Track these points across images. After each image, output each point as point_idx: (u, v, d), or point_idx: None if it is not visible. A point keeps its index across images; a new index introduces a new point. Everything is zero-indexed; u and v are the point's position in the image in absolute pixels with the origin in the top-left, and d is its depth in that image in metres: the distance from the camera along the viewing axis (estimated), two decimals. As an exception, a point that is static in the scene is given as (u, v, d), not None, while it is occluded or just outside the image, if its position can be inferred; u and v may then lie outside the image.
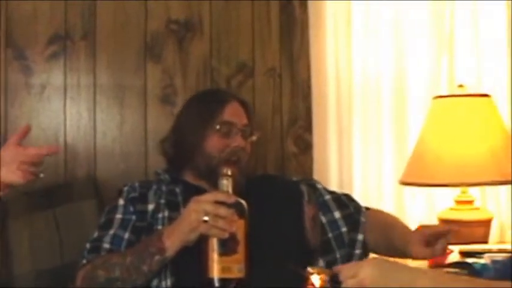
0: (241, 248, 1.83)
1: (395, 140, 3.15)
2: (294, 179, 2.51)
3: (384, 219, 2.41)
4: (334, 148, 3.09)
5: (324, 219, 2.35)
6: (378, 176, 3.14)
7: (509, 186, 3.10)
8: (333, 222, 2.36)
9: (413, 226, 3.11)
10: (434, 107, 2.99)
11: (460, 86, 3.03)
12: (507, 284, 1.57)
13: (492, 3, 3.24)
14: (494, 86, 3.22)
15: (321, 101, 3.08)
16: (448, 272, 2.46)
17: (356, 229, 2.37)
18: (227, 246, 1.82)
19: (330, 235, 2.34)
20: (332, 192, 2.47)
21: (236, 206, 1.85)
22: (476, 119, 2.93)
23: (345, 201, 2.43)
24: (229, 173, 1.89)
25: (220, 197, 1.86)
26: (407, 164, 2.97)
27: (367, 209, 2.47)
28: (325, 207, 2.37)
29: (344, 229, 2.36)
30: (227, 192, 1.87)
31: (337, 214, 2.37)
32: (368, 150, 3.13)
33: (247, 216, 1.87)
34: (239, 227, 1.84)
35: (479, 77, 3.23)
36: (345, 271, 1.50)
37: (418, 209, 3.18)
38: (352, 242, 2.35)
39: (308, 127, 3.09)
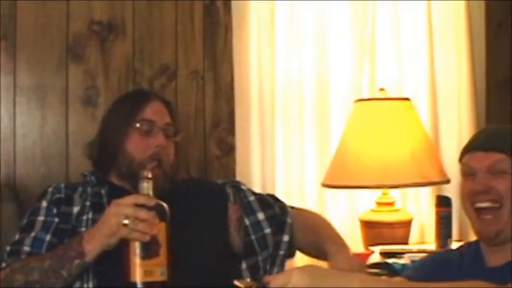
0: (163, 251, 1.81)
1: (318, 143, 3.17)
2: (219, 181, 2.51)
3: (311, 221, 2.42)
4: (256, 150, 3.09)
5: (247, 221, 2.34)
6: (300, 178, 3.16)
7: (430, 187, 3.16)
8: (257, 224, 2.35)
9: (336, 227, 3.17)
10: (356, 110, 3.03)
11: (381, 89, 3.08)
12: (443, 284, 1.60)
13: (413, 8, 3.30)
14: (414, 89, 3.28)
15: (243, 103, 3.09)
16: (371, 274, 2.50)
17: (281, 230, 2.36)
18: (149, 250, 1.80)
19: (253, 237, 2.33)
20: (257, 194, 2.47)
21: (157, 209, 1.83)
22: (397, 122, 2.98)
23: (269, 202, 2.43)
24: (150, 175, 1.87)
25: (141, 199, 1.84)
26: (329, 166, 3.00)
27: (293, 208, 2.47)
28: (249, 209, 2.37)
29: (268, 230, 2.35)
30: (147, 194, 1.85)
31: (260, 215, 2.37)
32: (290, 152, 3.15)
33: (168, 219, 1.84)
34: (160, 230, 1.82)
35: (400, 80, 3.29)
36: (275, 281, 1.49)
37: (340, 211, 3.21)
38: (277, 244, 2.35)
39: (231, 129, 3.09)
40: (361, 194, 3.19)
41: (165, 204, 1.86)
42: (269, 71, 3.12)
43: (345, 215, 3.21)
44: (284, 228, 2.37)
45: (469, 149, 1.95)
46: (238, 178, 3.02)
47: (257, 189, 2.93)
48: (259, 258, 2.32)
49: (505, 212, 1.85)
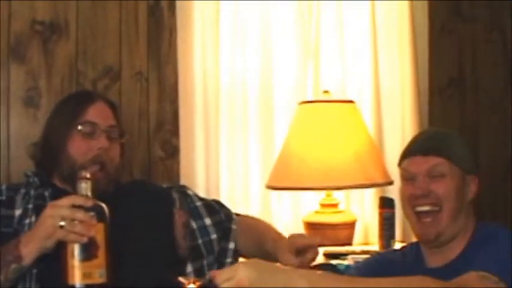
0: (101, 253, 1.78)
1: (262, 145, 3.18)
2: (165, 185, 2.49)
3: (256, 226, 2.41)
4: (201, 152, 3.09)
5: (194, 225, 2.33)
6: (245, 180, 3.16)
7: (373, 189, 3.19)
8: (204, 228, 2.35)
9: (279, 230, 3.18)
10: (300, 112, 3.04)
11: (325, 91, 3.09)
12: (387, 279, 1.61)
13: (357, 10, 3.33)
14: (358, 91, 3.30)
15: (188, 105, 3.08)
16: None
17: (227, 237, 2.36)
18: (87, 252, 1.77)
19: (200, 241, 2.33)
20: (203, 199, 2.46)
21: (95, 210, 1.80)
22: (341, 124, 2.99)
23: (216, 208, 2.42)
24: (88, 175, 1.84)
25: (78, 200, 1.80)
26: (273, 168, 3.01)
27: (238, 215, 2.47)
28: (196, 213, 2.36)
29: (214, 236, 2.35)
30: (85, 195, 1.81)
31: (207, 221, 2.36)
32: (235, 154, 3.15)
33: (107, 220, 1.82)
34: (98, 231, 1.79)
35: (344, 82, 3.30)
36: (221, 275, 1.49)
37: (284, 213, 3.22)
38: (223, 251, 2.35)
39: (175, 131, 3.08)
40: (305, 195, 3.20)
41: (103, 205, 1.83)
42: (213, 72, 3.12)
43: (289, 216, 3.22)
44: (229, 235, 2.36)
45: (408, 153, 1.97)
46: (182, 180, 3.01)
47: (201, 192, 2.94)
48: (205, 262, 2.31)
49: (445, 215, 1.88)
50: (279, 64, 3.24)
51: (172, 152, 3.08)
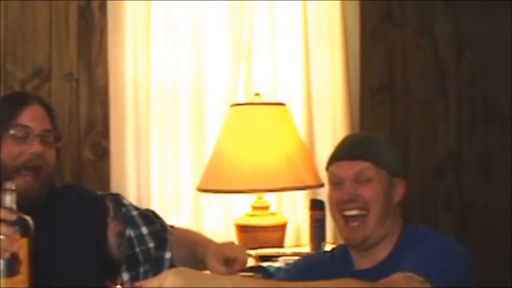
0: (24, 269, 1.69)
1: (193, 147, 3.17)
2: (100, 193, 2.44)
3: (187, 235, 2.39)
4: (131, 155, 3.06)
5: (132, 233, 2.31)
6: (176, 183, 3.14)
7: (304, 191, 3.20)
8: (141, 237, 2.32)
9: (211, 233, 3.17)
10: (231, 115, 3.04)
11: (257, 94, 3.10)
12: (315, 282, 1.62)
13: (289, 11, 3.34)
14: (290, 94, 3.31)
15: (118, 107, 3.05)
16: (249, 277, 2.50)
17: (163, 247, 2.34)
18: (9, 268, 1.69)
19: (138, 249, 2.30)
20: (138, 208, 2.43)
21: (19, 224, 1.73)
22: (272, 127, 3.00)
23: (151, 218, 2.40)
24: (13, 187, 1.76)
25: (1, 214, 1.73)
26: (204, 171, 3.00)
27: (172, 227, 2.45)
28: (132, 223, 2.33)
29: (151, 245, 2.32)
30: (10, 208, 1.73)
31: (144, 230, 2.33)
32: (166, 156, 3.13)
33: (31, 234, 1.75)
34: (22, 246, 1.69)
35: (276, 85, 3.32)
36: (149, 283, 1.47)
37: (216, 216, 3.21)
38: (160, 260, 2.32)
39: (105, 133, 3.05)
40: (236, 198, 3.20)
41: (28, 218, 1.75)
42: (145, 74, 3.10)
43: (221, 219, 3.22)
44: (165, 246, 2.34)
45: (335, 158, 1.98)
46: (112, 182, 2.99)
47: (132, 194, 2.93)
48: (141, 269, 2.29)
49: (372, 219, 1.89)
50: (210, 66, 3.24)
51: (102, 154, 3.05)
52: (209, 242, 2.28)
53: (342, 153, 1.97)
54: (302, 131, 3.21)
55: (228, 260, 2.06)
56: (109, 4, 3.06)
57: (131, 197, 2.96)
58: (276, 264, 2.67)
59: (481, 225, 4.03)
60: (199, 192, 3.04)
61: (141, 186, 3.07)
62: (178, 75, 3.17)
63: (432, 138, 3.87)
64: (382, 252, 1.92)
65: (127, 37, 3.08)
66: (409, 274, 1.65)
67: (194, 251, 2.25)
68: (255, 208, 3.06)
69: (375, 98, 3.64)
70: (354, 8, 3.54)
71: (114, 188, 2.98)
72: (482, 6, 4.11)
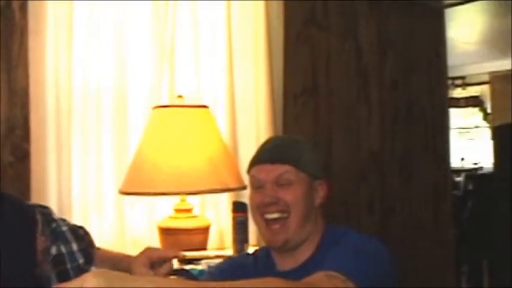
0: None
1: (116, 150, 3.14)
2: (29, 203, 2.41)
3: (112, 253, 2.39)
4: (52, 157, 3.01)
5: (64, 249, 2.28)
6: (98, 186, 3.11)
7: (228, 194, 3.21)
8: (72, 254, 2.30)
9: (133, 236, 3.16)
10: (153, 117, 3.03)
11: (179, 96, 3.09)
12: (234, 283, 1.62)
13: (212, 15, 3.35)
14: (213, 97, 3.32)
15: (39, 109, 3.00)
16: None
17: (90, 262, 2.33)
18: None
19: (69, 266, 2.28)
20: (68, 224, 2.40)
21: None
22: (195, 129, 3.00)
23: (81, 234, 2.38)
24: None
25: None
26: (126, 174, 2.98)
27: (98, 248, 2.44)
28: (63, 238, 2.30)
29: (81, 261, 2.30)
30: None
31: (74, 246, 2.31)
32: (87, 159, 3.09)
33: None
34: None
35: (199, 88, 3.31)
36: (69, 284, 1.46)
37: (139, 219, 3.19)
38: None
39: (26, 136, 2.99)
40: (159, 201, 3.19)
41: None
42: (66, 75, 3.05)
43: (144, 222, 3.20)
44: (92, 261, 2.33)
45: (256, 161, 2.00)
46: (33, 184, 2.94)
47: (53, 197, 2.89)
48: (70, 286, 2.27)
49: (293, 222, 1.91)
50: (133, 67, 3.22)
51: (23, 156, 3.00)
52: (133, 256, 2.29)
53: (263, 156, 1.99)
54: (225, 134, 3.22)
55: (154, 264, 2.06)
56: (30, 4, 3.00)
57: (52, 199, 2.92)
58: (199, 267, 2.67)
59: (404, 225, 4.10)
60: (121, 195, 3.02)
61: (62, 188, 3.02)
62: (101, 76, 3.13)
63: (355, 141, 3.92)
64: (304, 253, 1.95)
65: (48, 38, 3.03)
66: (330, 273, 1.67)
67: (117, 263, 2.25)
68: (177, 211, 3.06)
69: (298, 100, 3.67)
70: (278, 10, 3.56)
71: (35, 191, 2.93)
72: (406, 9, 4.19)
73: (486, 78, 9.58)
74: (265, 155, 1.99)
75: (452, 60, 4.92)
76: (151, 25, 3.26)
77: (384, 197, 4.05)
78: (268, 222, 1.93)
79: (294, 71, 3.66)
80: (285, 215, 1.92)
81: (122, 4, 3.18)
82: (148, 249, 2.16)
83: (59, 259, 2.26)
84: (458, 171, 7.34)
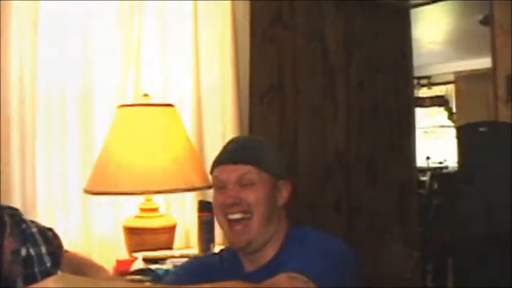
0: None
1: (81, 149, 3.12)
2: None
3: (78, 258, 2.38)
4: (16, 157, 2.97)
5: (32, 251, 2.26)
6: (63, 186, 3.08)
7: (194, 193, 3.21)
8: (40, 256, 2.28)
9: (99, 235, 3.14)
10: (119, 116, 3.01)
11: (145, 95, 3.08)
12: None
13: (179, 14, 3.34)
14: (179, 96, 3.31)
15: (3, 108, 2.95)
16: (132, 280, 2.49)
17: (58, 265, 2.31)
18: None
19: (36, 269, 2.26)
20: (38, 225, 2.38)
21: None
22: (160, 128, 2.99)
23: (51, 237, 2.37)
24: None
25: None
26: (92, 173, 2.96)
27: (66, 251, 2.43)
28: (33, 240, 2.28)
29: (49, 264, 2.29)
30: None
31: (43, 249, 2.29)
32: (52, 159, 3.06)
33: None
34: None
35: (165, 87, 3.30)
36: None
37: (104, 218, 3.17)
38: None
39: (-11, 135, 2.96)
40: (125, 200, 3.17)
41: None
42: (30, 75, 3.01)
43: (109, 222, 3.18)
44: (60, 265, 2.32)
45: (218, 162, 1.99)
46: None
47: (17, 197, 2.87)
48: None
49: (255, 222, 1.91)
50: (99, 66, 3.19)
51: (-14, 156, 2.96)
52: (98, 264, 2.29)
53: (225, 157, 1.99)
54: (191, 133, 3.22)
55: None
56: (-6, 3, 2.97)
57: (16, 199, 2.89)
58: (165, 267, 2.66)
59: (370, 225, 4.12)
60: (87, 195, 3.00)
61: (26, 188, 2.98)
62: (66, 75, 3.10)
63: (321, 140, 3.94)
64: (268, 254, 1.95)
65: (13, 37, 2.99)
66: (292, 274, 1.67)
67: (83, 271, 2.24)
68: (143, 210, 3.05)
69: (264, 100, 3.68)
70: (244, 10, 3.56)
71: (-1, 191, 2.90)
72: (372, 10, 4.21)
73: (451, 78, 9.66)
74: (227, 156, 1.98)
75: (417, 60, 4.96)
76: (117, 24, 3.24)
77: (350, 197, 4.07)
78: (231, 222, 1.93)
79: (260, 70, 3.67)
80: (248, 215, 1.92)
81: (87, 4, 3.16)
82: (119, 262, 2.15)
83: (28, 261, 2.25)
84: (423, 171, 7.40)
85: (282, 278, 1.68)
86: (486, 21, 4.42)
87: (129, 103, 3.15)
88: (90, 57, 3.17)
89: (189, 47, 3.34)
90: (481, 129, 3.97)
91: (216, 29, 3.44)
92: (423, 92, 10.05)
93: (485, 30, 4.45)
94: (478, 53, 6.97)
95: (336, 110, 4.00)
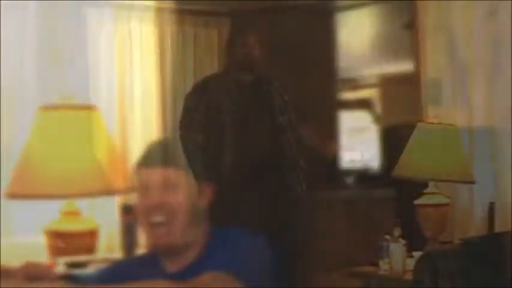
0: None
1: (1, 151, 3.06)
2: None
3: None
4: None
5: None
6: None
7: (116, 196, 3.17)
8: None
9: (20, 240, 3.08)
10: (40, 118, 2.94)
11: (67, 97, 3.02)
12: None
13: (101, 15, 3.30)
14: (103, 98, 3.28)
15: None
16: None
17: None
18: None
19: None
20: None
21: None
22: (83, 130, 2.94)
23: None
24: None
25: None
26: (12, 176, 2.89)
27: None
28: None
29: None
30: None
31: None
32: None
33: None
34: None
35: (88, 88, 3.27)
36: None
37: (25, 222, 3.13)
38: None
39: None
40: (46, 204, 3.11)
41: None
42: None
43: (31, 226, 3.12)
44: None
45: (141, 164, 1.97)
46: None
47: None
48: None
49: (178, 225, 1.89)
50: (21, 67, 3.16)
51: None
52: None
53: (147, 159, 1.97)
54: (114, 135, 3.18)
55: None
56: None
57: None
58: (87, 271, 2.63)
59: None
60: (7, 198, 2.94)
61: None
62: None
63: (246, 142, 3.93)
64: (191, 255, 1.93)
65: None
66: (217, 274, 1.67)
67: None
68: (65, 214, 2.99)
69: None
70: (170, 14, 3.55)
71: None
72: (298, 13, 4.23)
73: (376, 80, 9.77)
74: (150, 158, 1.96)
75: (343, 62, 5.01)
76: (39, 25, 3.18)
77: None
78: (153, 226, 1.91)
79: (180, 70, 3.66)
80: (170, 218, 1.90)
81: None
82: (28, 266, 2.10)
83: None
84: (348, 172, 7.46)
85: (207, 277, 1.68)
86: (411, 25, 4.48)
87: (51, 105, 3.08)
88: (12, 58, 3.11)
89: (113, 48, 3.30)
90: (405, 131, 4.03)
91: (141, 29, 3.41)
92: (348, 95, 10.14)
93: (410, 33, 4.52)
94: (403, 56, 7.07)
95: (261, 112, 4.01)
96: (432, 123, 3.43)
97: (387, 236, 3.13)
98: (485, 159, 3.53)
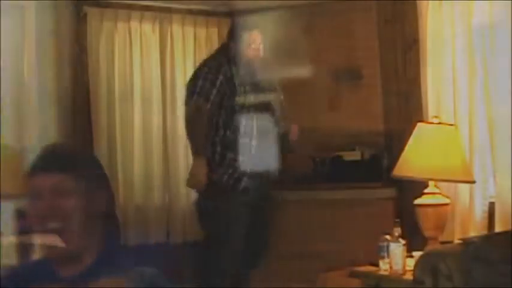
0: None
1: None
2: None
3: None
4: None
5: None
6: None
7: (10, 201, 3.07)
8: None
9: None
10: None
11: None
12: None
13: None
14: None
15: None
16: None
17: None
18: None
19: None
20: None
21: None
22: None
23: None
24: None
25: None
26: None
27: None
28: None
29: None
30: None
31: None
32: None
33: None
34: None
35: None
36: None
37: None
38: None
39: None
40: None
41: None
42: None
43: None
44: None
45: (33, 169, 1.92)
46: None
47: None
48: None
49: (71, 232, 1.85)
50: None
51: None
52: None
53: (40, 164, 1.88)
54: (11, 137, 3.15)
55: None
56: None
57: None
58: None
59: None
60: None
61: None
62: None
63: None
64: (86, 261, 1.89)
65: None
66: (111, 279, 1.68)
67: None
68: None
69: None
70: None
71: None
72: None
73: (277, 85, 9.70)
74: (41, 163, 1.87)
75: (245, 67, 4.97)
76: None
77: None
78: (46, 232, 1.87)
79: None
80: (63, 225, 1.85)
81: None
82: None
83: None
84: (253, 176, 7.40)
85: (100, 283, 1.69)
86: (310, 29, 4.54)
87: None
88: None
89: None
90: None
91: (40, 27, 3.36)
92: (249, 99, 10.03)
93: (310, 38, 4.56)
94: (302, 60, 7.02)
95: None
96: (432, 123, 3.41)
97: (387, 236, 3.14)
98: (485, 159, 3.53)
